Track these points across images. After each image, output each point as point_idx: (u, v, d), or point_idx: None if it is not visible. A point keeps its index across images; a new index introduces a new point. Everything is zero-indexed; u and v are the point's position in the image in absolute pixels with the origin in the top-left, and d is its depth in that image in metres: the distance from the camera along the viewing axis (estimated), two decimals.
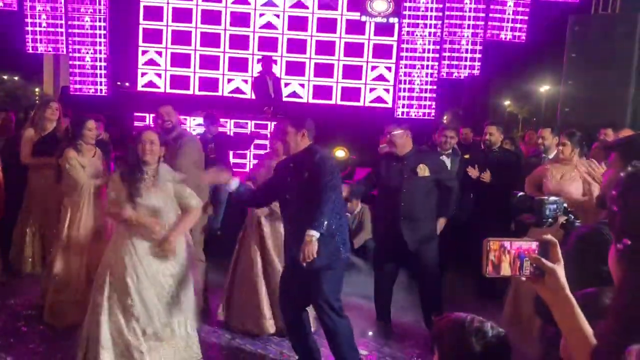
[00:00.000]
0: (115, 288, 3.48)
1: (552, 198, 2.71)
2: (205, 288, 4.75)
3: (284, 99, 9.04)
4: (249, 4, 9.80)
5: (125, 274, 3.46)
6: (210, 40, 9.89)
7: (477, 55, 9.39)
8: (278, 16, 9.85)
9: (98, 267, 3.68)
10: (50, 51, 9.57)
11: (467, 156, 6.28)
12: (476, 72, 9.51)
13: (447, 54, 9.43)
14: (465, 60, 9.41)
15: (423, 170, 4.42)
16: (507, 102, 32.12)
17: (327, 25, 9.94)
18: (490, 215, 5.35)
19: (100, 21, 9.26)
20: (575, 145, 4.49)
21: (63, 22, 9.21)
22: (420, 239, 4.53)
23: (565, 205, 2.72)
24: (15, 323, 4.46)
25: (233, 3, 9.81)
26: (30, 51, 9.40)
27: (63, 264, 4.39)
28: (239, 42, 9.88)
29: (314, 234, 3.39)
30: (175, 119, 4.77)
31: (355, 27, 9.93)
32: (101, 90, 9.43)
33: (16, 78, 32.97)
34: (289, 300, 3.81)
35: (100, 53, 9.34)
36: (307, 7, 9.86)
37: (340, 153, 7.39)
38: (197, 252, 4.60)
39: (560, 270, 1.38)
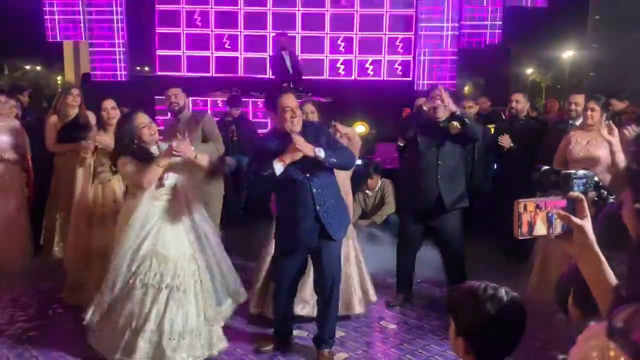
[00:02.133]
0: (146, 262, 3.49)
1: (581, 172, 2.43)
2: None
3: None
4: None
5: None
6: (227, 20, 9.86)
7: (498, 23, 9.18)
8: None
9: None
10: (69, 38, 9.65)
11: (491, 126, 6.19)
12: (497, 40, 9.31)
13: (466, 23, 9.23)
14: (486, 29, 9.21)
15: (455, 127, 4.36)
16: (529, 70, 31.46)
17: None
18: (516, 183, 5.29)
19: (117, 6, 9.28)
20: (603, 110, 4.40)
21: (81, 8, 9.26)
22: (456, 199, 4.50)
23: (596, 179, 2.50)
24: (49, 306, 4.59)
25: None
26: (50, 40, 9.49)
27: (82, 242, 4.51)
28: (255, 21, 9.84)
29: (320, 151, 3.36)
30: (183, 100, 4.80)
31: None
32: (121, 75, 9.51)
33: (38, 68, 33.46)
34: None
35: (118, 38, 9.39)
36: None
37: (360, 128, 7.35)
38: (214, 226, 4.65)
39: (587, 225, 1.39)
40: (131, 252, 3.46)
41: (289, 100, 3.45)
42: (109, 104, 4.63)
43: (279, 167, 3.32)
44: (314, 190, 3.47)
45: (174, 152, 3.42)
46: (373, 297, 4.56)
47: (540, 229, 1.41)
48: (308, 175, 3.45)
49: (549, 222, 1.41)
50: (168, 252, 3.49)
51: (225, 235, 4.92)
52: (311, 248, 3.60)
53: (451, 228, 4.56)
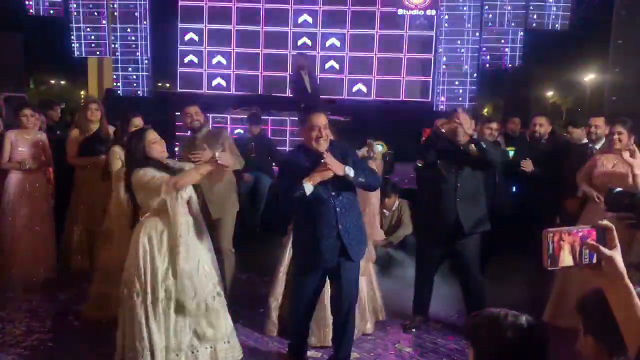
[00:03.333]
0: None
1: None
2: (233, 287, 4.74)
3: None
4: (287, 2, 9.86)
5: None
6: (248, 39, 9.99)
7: (518, 45, 9.18)
8: (313, 13, 9.87)
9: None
10: (94, 55, 9.86)
11: (510, 148, 6.14)
12: (517, 62, 9.30)
13: (487, 45, 9.25)
14: (506, 51, 9.22)
15: (474, 150, 4.33)
16: (550, 93, 31.26)
17: (363, 19, 9.90)
18: (536, 207, 5.24)
19: (141, 24, 9.48)
20: (630, 133, 4.33)
21: (107, 26, 9.46)
22: (475, 222, 4.45)
23: None
24: (65, 317, 4.62)
25: (267, 3, 9.89)
26: (76, 55, 9.70)
27: (108, 256, 4.54)
28: (276, 40, 9.95)
29: (350, 170, 3.39)
30: (202, 118, 4.85)
31: (391, 21, 9.86)
32: (143, 91, 9.67)
33: (63, 82, 34.10)
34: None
35: (142, 55, 9.57)
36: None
37: (378, 147, 7.34)
38: (227, 242, 4.66)
39: (617, 256, 1.35)
40: (160, 270, 3.46)
41: (319, 119, 3.46)
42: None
43: (309, 188, 3.32)
44: (338, 209, 3.46)
45: (218, 162, 3.43)
46: (382, 316, 4.54)
47: (566, 260, 1.37)
48: (333, 193, 3.45)
49: (579, 253, 1.37)
50: (195, 266, 3.53)
51: (241, 251, 4.94)
52: (330, 267, 3.58)
53: (470, 253, 4.50)
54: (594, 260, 1.37)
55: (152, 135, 3.56)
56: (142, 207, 3.53)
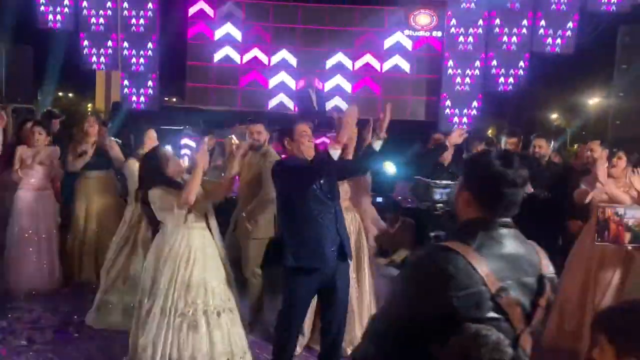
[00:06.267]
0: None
1: None
2: (259, 309, 4.70)
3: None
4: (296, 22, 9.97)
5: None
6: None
7: (522, 66, 9.22)
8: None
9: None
10: (103, 68, 9.92)
11: None
12: (522, 84, 9.34)
13: (493, 66, 9.28)
14: (511, 73, 9.26)
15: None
16: (554, 116, 31.37)
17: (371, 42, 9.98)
18: (538, 228, 5.24)
19: (151, 37, 9.57)
20: (630, 163, 4.35)
21: (117, 39, 9.55)
22: None
23: None
24: (66, 328, 4.62)
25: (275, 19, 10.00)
26: (86, 68, 9.76)
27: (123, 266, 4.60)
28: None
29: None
30: (264, 137, 4.79)
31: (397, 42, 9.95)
32: (151, 105, 9.71)
33: (70, 95, 34.39)
34: None
35: (150, 69, 9.64)
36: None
37: (390, 169, 7.32)
38: (249, 266, 4.59)
39: None
40: (174, 282, 3.49)
41: (306, 127, 3.61)
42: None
43: (335, 153, 3.28)
44: (336, 210, 3.58)
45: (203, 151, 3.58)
46: None
47: (621, 238, 1.38)
48: (329, 196, 3.54)
49: (632, 233, 1.38)
50: (212, 278, 3.57)
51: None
52: (328, 272, 3.55)
53: None
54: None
55: (167, 154, 3.64)
56: (159, 219, 3.59)
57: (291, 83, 9.92)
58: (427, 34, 9.83)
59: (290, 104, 9.86)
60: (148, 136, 4.90)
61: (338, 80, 9.97)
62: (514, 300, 1.57)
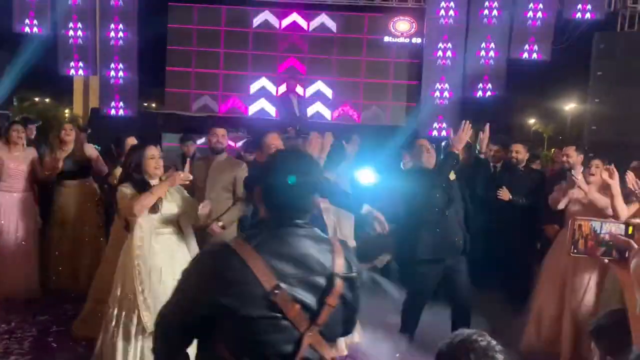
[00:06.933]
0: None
1: None
2: None
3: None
4: (275, 29, 9.99)
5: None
6: (236, 60, 10.08)
7: (502, 73, 9.34)
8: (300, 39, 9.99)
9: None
10: (81, 73, 9.82)
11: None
12: (500, 90, 9.46)
13: (470, 72, 9.39)
14: (489, 79, 9.37)
15: (452, 175, 4.43)
16: (532, 121, 31.80)
17: (350, 46, 10.05)
18: (515, 234, 5.32)
19: (130, 43, 9.49)
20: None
21: (97, 45, 9.46)
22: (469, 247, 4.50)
23: None
24: (45, 339, 4.54)
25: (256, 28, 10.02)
26: (63, 73, 9.65)
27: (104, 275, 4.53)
28: (263, 63, 10.05)
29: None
30: (226, 142, 4.79)
31: (377, 47, 10.03)
32: (129, 111, 9.62)
33: (47, 100, 33.84)
34: None
35: (128, 75, 9.55)
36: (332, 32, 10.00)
37: (369, 177, 7.32)
38: None
39: None
40: (141, 292, 3.46)
41: (276, 139, 3.66)
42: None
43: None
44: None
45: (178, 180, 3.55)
46: (357, 337, 4.48)
47: (596, 251, 1.40)
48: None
49: (604, 244, 1.40)
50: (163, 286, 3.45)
51: None
52: None
53: (462, 275, 4.52)
54: (614, 255, 1.40)
55: (151, 152, 3.64)
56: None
57: (272, 89, 9.94)
58: (407, 40, 9.92)
59: (271, 110, 9.87)
60: (128, 143, 4.85)
61: (319, 85, 10.02)
62: (289, 298, 1.56)
